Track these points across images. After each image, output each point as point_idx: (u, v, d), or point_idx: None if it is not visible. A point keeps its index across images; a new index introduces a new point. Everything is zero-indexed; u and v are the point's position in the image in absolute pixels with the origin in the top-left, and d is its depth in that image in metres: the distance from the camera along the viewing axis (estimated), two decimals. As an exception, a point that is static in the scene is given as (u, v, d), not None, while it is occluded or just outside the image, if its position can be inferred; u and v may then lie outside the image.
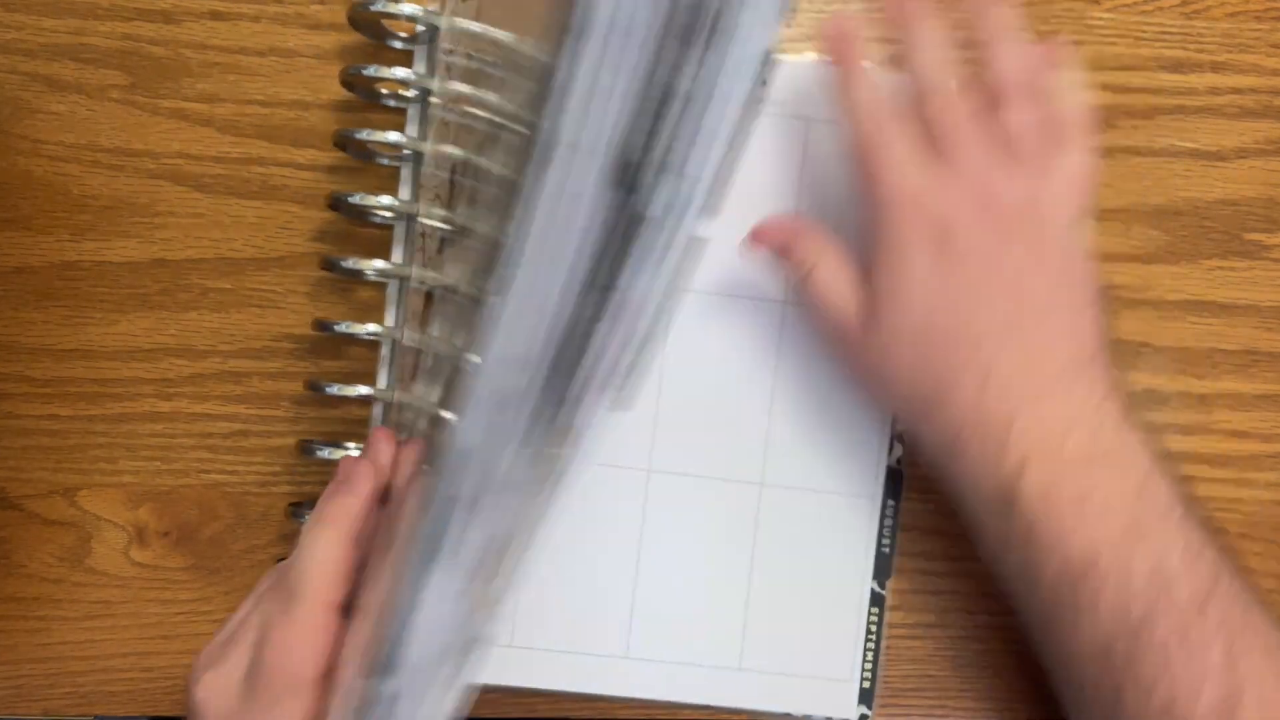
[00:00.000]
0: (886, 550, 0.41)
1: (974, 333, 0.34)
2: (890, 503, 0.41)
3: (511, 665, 0.39)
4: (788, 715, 0.40)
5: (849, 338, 0.36)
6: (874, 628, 0.41)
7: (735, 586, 0.40)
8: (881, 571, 0.41)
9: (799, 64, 0.40)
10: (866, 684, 0.41)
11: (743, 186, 0.38)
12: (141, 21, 0.41)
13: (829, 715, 0.40)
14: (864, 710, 0.40)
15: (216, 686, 0.30)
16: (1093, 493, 0.32)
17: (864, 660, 0.41)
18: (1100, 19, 0.43)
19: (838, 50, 0.37)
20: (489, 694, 0.41)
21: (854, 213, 0.38)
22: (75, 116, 0.41)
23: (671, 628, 0.40)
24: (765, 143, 0.40)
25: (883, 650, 0.41)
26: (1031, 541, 0.32)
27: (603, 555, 0.40)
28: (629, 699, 0.40)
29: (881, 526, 0.41)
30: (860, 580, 0.41)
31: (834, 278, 0.36)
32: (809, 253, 0.36)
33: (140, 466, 0.41)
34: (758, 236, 0.38)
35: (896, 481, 0.41)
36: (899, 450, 0.41)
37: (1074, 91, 0.37)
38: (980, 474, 0.34)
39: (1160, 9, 0.43)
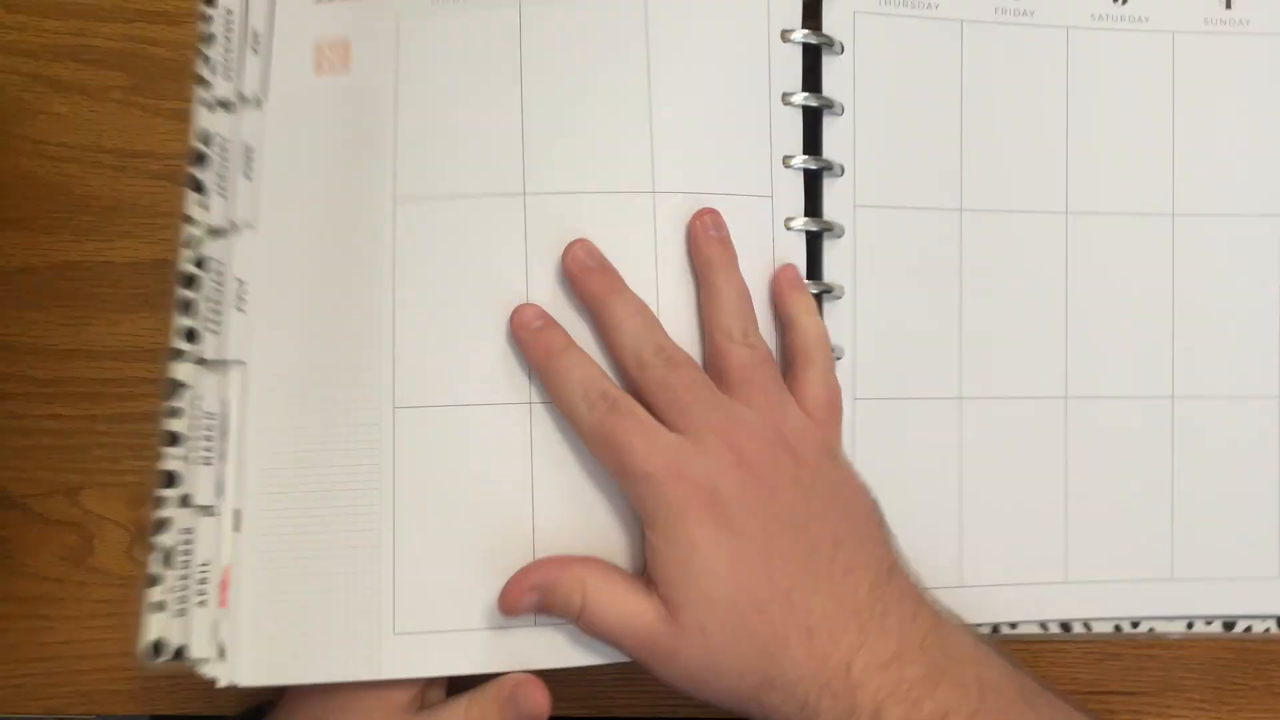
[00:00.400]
0: None
1: (780, 591, 0.32)
2: None
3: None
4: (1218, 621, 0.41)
5: (658, 652, 0.32)
6: None
7: (1160, 498, 0.41)
8: None
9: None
10: None
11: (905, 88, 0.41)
12: (143, 23, 0.41)
13: (1262, 613, 0.42)
14: None
15: None
16: (947, 710, 0.31)
17: None
18: None
19: (535, 349, 0.35)
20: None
21: (1015, 114, 0.41)
22: (77, 117, 0.41)
23: (1105, 546, 0.41)
24: (923, 46, 0.41)
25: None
26: None
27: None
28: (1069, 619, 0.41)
29: None
30: (1277, 479, 0.42)
31: (609, 602, 0.33)
32: (569, 594, 0.33)
33: (143, 466, 0.41)
34: (505, 606, 0.34)
35: None
36: None
37: (808, 313, 0.37)
38: None
39: (1158, 10, 0.43)
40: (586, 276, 0.36)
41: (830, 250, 0.40)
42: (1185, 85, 0.42)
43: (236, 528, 0.36)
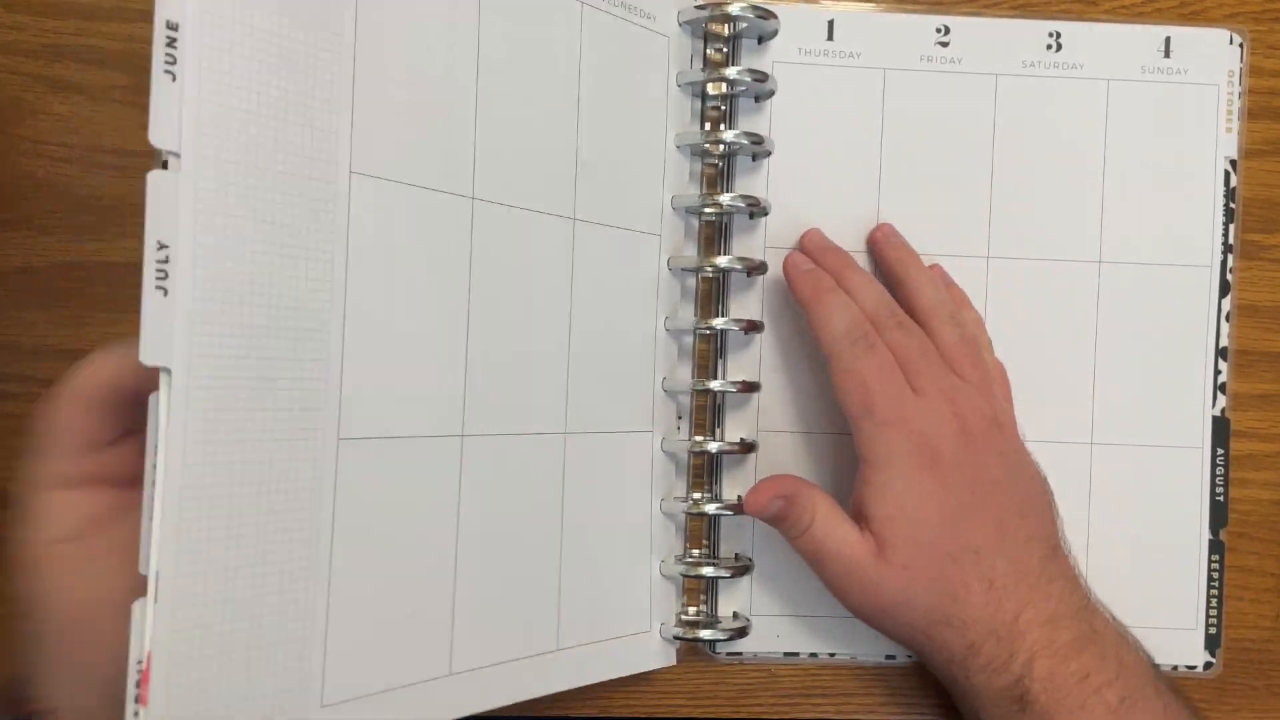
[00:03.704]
0: (1220, 499, 0.43)
1: (973, 545, 0.36)
2: (1219, 451, 0.43)
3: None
4: None
5: (862, 577, 0.36)
6: (1215, 575, 0.43)
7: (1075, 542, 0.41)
8: (1218, 520, 0.43)
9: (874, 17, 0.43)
10: (1213, 630, 0.43)
11: (824, 134, 0.42)
12: (144, 22, 0.41)
13: (1176, 664, 0.43)
14: (1209, 657, 0.43)
15: None
16: (1089, 672, 0.35)
17: (1208, 608, 0.43)
18: (1098, 20, 0.43)
19: (805, 284, 0.39)
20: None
21: (938, 160, 0.42)
22: (78, 117, 0.41)
23: None
24: (845, 94, 0.42)
25: (1225, 598, 0.43)
26: None
27: None
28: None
29: (1213, 476, 0.43)
30: (1197, 529, 0.43)
31: (834, 526, 0.37)
32: (803, 511, 0.37)
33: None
34: (750, 506, 0.38)
35: (1223, 430, 0.43)
36: (1223, 400, 0.43)
37: (971, 308, 0.41)
38: (994, 675, 0.36)
39: (1159, 10, 0.43)
40: (823, 255, 0.40)
41: (739, 288, 0.42)
42: (1117, 132, 0.42)
43: (155, 598, 0.26)
